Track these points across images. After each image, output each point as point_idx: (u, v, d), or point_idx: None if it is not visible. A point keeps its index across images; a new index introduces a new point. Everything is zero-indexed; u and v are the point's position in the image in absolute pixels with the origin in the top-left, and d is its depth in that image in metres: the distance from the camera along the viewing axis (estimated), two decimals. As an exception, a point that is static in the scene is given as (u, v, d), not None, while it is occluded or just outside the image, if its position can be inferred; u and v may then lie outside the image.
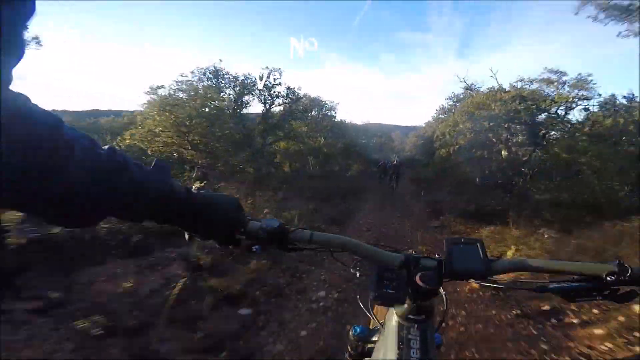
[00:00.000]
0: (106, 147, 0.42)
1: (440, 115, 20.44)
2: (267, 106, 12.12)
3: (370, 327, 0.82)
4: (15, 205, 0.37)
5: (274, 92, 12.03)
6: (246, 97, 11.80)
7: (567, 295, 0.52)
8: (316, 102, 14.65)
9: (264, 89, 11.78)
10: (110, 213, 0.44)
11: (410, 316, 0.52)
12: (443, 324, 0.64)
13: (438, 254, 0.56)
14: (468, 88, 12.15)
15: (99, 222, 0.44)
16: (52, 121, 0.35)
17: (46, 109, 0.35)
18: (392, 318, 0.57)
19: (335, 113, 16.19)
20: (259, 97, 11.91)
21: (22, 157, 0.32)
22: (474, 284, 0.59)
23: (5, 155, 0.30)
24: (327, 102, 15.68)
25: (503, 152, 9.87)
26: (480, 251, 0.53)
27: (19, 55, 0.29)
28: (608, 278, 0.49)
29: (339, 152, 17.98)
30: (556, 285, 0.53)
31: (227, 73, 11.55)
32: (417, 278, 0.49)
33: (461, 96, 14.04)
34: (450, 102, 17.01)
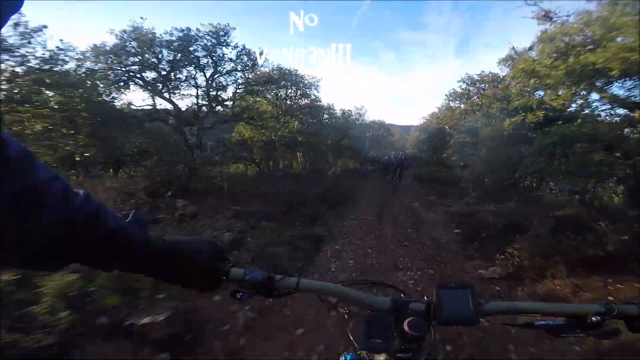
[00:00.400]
0: (81, 192, 0.40)
1: (452, 102, 16.84)
2: (207, 75, 8.29)
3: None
4: None
5: (218, 54, 8.19)
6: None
7: (552, 331, 0.55)
8: (289, 76, 10.63)
9: (203, 50, 7.98)
10: (78, 260, 0.41)
11: (398, 355, 0.53)
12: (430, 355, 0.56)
13: (428, 297, 0.56)
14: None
15: (63, 267, 0.41)
16: (24, 155, 0.33)
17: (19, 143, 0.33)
18: (381, 356, 0.56)
19: (318, 91, 12.17)
20: (192, 62, 8.00)
21: None
22: None
23: None
24: (305, 77, 11.64)
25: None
26: (470, 297, 0.53)
27: None
28: (594, 318, 0.52)
29: (329, 146, 14.27)
30: (542, 322, 0.55)
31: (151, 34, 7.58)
32: (405, 325, 0.50)
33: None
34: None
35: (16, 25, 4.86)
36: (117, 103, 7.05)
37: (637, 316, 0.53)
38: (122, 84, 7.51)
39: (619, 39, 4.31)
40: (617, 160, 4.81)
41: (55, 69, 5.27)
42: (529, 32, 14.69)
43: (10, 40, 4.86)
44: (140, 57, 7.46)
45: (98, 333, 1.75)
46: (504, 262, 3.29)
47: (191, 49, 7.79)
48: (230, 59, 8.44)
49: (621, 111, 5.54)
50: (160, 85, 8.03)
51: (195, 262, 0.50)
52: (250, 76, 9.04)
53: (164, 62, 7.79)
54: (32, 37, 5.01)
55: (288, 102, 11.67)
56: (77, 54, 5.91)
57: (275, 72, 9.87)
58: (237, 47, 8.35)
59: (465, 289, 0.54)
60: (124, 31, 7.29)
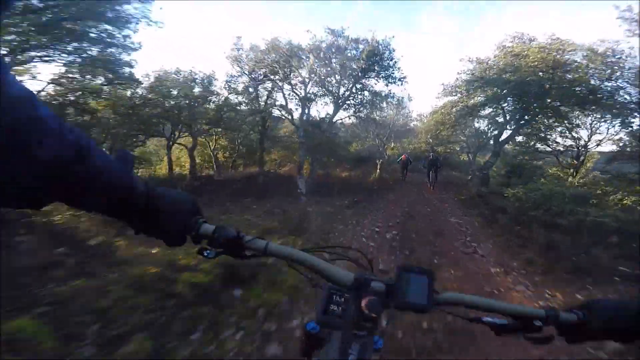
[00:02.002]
0: (76, 128, 0.40)
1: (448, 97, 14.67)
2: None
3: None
4: None
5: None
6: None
7: (495, 329, 0.58)
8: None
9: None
10: (60, 198, 0.41)
11: (354, 331, 0.53)
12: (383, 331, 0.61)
13: (390, 277, 0.56)
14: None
15: (45, 206, 0.41)
16: (24, 93, 0.34)
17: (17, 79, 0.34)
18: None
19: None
20: None
21: None
22: None
23: None
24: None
25: None
26: (428, 284, 0.54)
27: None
28: (535, 322, 0.55)
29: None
30: (489, 319, 0.58)
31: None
32: (363, 304, 0.50)
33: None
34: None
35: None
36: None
37: (574, 325, 0.55)
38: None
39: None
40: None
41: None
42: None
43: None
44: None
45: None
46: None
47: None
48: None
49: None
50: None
51: (172, 213, 0.51)
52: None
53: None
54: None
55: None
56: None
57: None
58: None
59: (425, 274, 0.55)
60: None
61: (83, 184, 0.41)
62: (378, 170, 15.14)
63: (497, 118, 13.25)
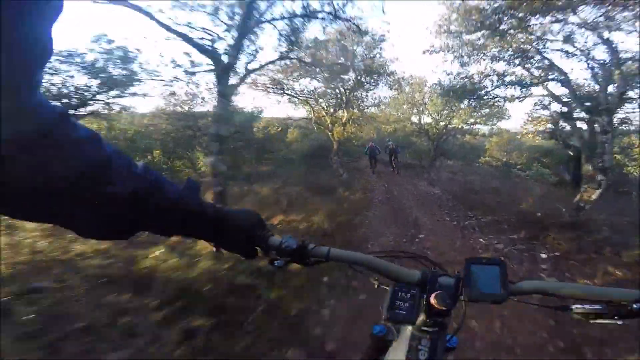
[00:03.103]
0: (140, 163, 0.43)
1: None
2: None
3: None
4: (49, 217, 0.37)
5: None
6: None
7: (587, 316, 0.51)
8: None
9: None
10: (142, 228, 0.44)
11: (424, 328, 0.53)
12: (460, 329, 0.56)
13: (458, 271, 0.55)
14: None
15: (130, 237, 0.44)
16: (91, 135, 0.36)
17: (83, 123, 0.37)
18: (407, 327, 0.57)
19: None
20: None
21: (62, 169, 0.33)
22: None
23: (42, 167, 0.31)
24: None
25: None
26: (500, 273, 0.52)
27: (45, 57, 0.28)
28: (635, 305, 0.47)
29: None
30: (579, 306, 0.52)
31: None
32: (432, 298, 0.49)
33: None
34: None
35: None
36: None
37: None
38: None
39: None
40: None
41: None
42: None
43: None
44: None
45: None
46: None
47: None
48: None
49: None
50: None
51: (241, 230, 0.54)
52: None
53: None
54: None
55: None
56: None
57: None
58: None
59: (495, 265, 0.53)
60: None
61: (159, 213, 0.44)
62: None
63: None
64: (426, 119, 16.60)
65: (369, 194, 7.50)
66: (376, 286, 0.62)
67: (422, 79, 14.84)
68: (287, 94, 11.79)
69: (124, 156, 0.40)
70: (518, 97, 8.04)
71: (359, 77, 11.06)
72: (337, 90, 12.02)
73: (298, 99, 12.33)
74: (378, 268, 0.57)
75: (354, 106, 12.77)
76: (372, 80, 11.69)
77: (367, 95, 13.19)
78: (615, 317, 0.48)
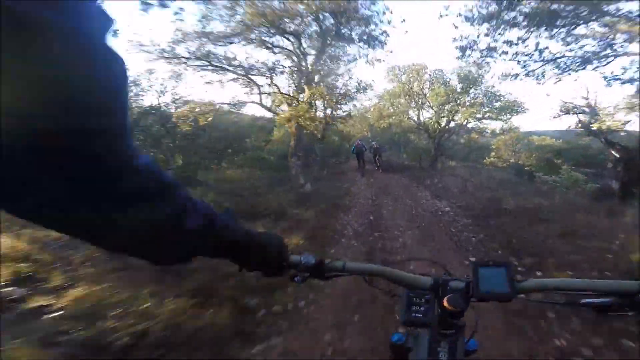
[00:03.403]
0: (196, 199, 0.46)
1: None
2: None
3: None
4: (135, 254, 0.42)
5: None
6: None
7: (599, 309, 0.53)
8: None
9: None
10: (203, 254, 0.50)
11: (441, 331, 0.54)
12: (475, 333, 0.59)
13: (467, 275, 0.58)
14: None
15: (190, 261, 0.49)
16: (172, 182, 0.39)
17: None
18: (425, 332, 0.58)
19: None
20: None
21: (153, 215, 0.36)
22: None
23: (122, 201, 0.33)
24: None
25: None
26: (507, 274, 0.54)
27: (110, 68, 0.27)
28: (639, 296, 0.49)
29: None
30: (587, 300, 0.54)
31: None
32: (445, 301, 0.52)
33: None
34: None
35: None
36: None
37: None
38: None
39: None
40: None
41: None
42: None
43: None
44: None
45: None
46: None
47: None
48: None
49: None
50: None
51: (271, 251, 0.60)
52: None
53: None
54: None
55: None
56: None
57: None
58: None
59: (502, 266, 0.55)
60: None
61: (214, 241, 0.50)
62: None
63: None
64: (426, 114, 14.25)
65: (341, 219, 4.88)
66: (390, 297, 0.67)
67: (421, 65, 12.37)
68: (216, 66, 8.38)
69: (194, 201, 0.45)
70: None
71: (321, 26, 7.81)
72: (294, 59, 8.70)
73: (237, 74, 8.85)
74: (392, 277, 0.60)
75: (320, 80, 9.23)
76: (344, 32, 8.08)
77: (338, 63, 9.53)
78: (625, 309, 0.50)
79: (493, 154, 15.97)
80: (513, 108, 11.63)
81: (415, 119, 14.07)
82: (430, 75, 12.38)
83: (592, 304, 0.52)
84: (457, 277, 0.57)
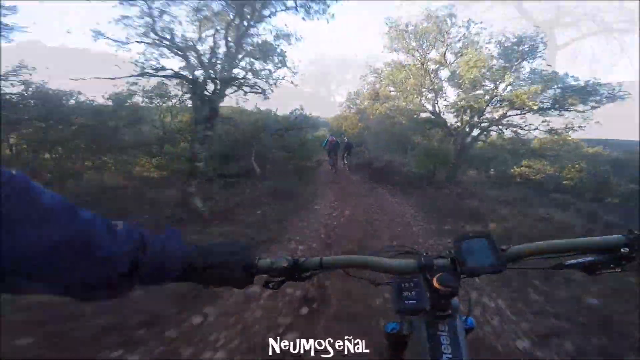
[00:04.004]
0: (120, 223, 0.43)
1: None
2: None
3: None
4: (46, 288, 0.38)
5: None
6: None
7: (586, 269, 0.53)
8: None
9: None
10: (138, 283, 0.45)
11: (438, 313, 0.52)
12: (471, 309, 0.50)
13: (450, 251, 0.56)
14: None
15: (125, 294, 0.45)
16: (63, 206, 0.36)
17: (55, 193, 0.36)
18: (421, 318, 0.56)
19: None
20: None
21: (49, 245, 0.34)
22: None
23: (24, 240, 0.32)
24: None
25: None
26: (489, 244, 0.53)
27: None
28: (622, 250, 0.49)
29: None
30: (573, 261, 0.53)
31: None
32: (435, 281, 0.50)
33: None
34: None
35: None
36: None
37: None
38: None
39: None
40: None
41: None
42: None
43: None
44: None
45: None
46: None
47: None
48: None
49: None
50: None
51: (230, 265, 0.53)
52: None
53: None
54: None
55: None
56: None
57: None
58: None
59: (482, 237, 0.54)
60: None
61: (149, 267, 0.45)
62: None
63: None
64: (442, 102, 9.47)
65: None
66: (375, 285, 0.62)
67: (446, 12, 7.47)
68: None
69: (104, 221, 0.41)
70: None
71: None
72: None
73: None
74: (373, 265, 0.57)
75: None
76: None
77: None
78: (612, 266, 0.51)
79: (525, 162, 11.33)
80: (612, 92, 6.84)
81: (430, 108, 9.20)
82: (459, 30, 7.49)
83: (578, 265, 0.52)
84: (439, 256, 0.55)
